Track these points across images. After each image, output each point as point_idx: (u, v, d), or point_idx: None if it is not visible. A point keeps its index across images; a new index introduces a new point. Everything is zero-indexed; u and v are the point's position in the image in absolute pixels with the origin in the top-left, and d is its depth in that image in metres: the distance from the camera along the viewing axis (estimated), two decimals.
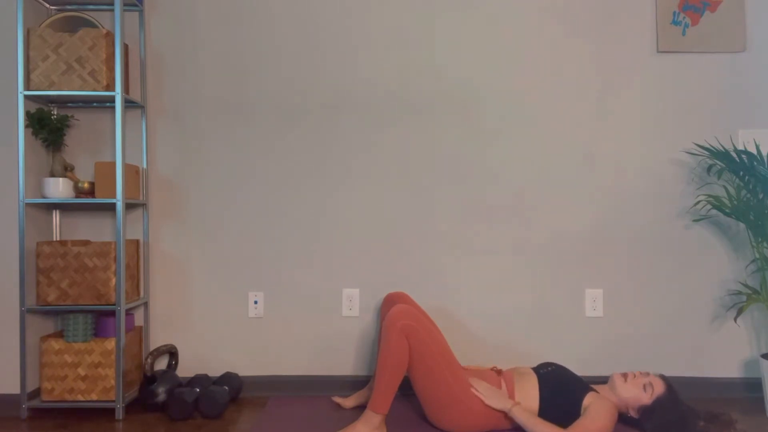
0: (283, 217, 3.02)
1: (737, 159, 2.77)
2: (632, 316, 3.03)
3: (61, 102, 2.91)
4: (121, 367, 2.67)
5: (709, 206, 3.01)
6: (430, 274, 3.03)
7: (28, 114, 2.71)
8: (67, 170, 2.84)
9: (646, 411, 2.39)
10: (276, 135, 3.02)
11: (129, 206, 2.99)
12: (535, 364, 2.99)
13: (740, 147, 3.00)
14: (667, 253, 3.03)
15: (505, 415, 2.38)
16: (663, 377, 2.45)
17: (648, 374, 2.45)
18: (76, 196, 2.77)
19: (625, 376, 2.45)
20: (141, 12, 2.97)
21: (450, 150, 3.03)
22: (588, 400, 2.36)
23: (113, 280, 2.68)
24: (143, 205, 2.99)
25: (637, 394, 2.40)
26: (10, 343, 2.75)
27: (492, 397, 2.39)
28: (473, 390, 2.39)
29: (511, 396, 2.43)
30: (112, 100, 2.84)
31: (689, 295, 3.03)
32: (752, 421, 2.65)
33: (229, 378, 2.88)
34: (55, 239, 2.93)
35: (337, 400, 2.79)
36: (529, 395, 2.43)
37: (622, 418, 2.47)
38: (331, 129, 3.02)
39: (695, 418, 2.36)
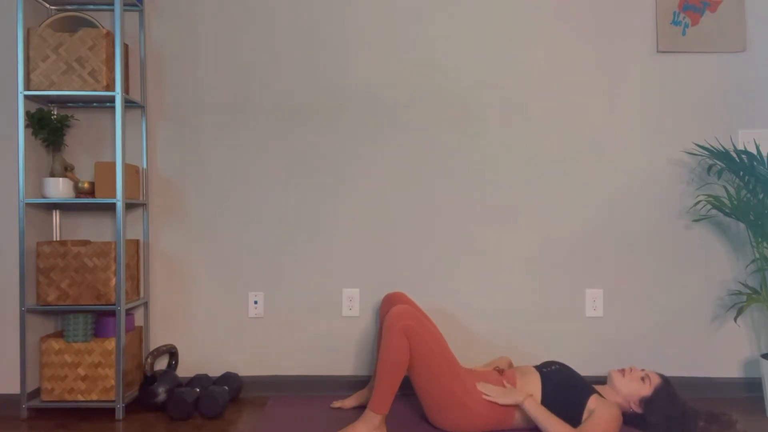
0: (283, 217, 3.02)
1: (737, 159, 2.77)
2: (632, 316, 3.03)
3: (61, 102, 2.91)
4: (121, 367, 2.67)
5: (709, 206, 3.01)
6: (429, 274, 3.03)
7: (28, 114, 2.71)
8: (67, 170, 2.84)
9: (647, 402, 2.42)
10: (276, 135, 3.02)
11: (129, 206, 2.99)
12: (535, 364, 2.99)
13: (740, 147, 3.00)
14: (667, 253, 3.03)
15: (514, 410, 2.40)
16: (659, 373, 2.52)
17: (644, 370, 2.51)
18: (76, 196, 2.77)
19: (622, 371, 2.50)
20: (141, 12, 2.97)
21: (449, 150, 3.03)
22: (593, 403, 2.35)
23: (113, 280, 2.68)
24: (143, 205, 2.99)
25: (637, 387, 2.44)
26: (10, 343, 2.75)
27: (503, 395, 2.40)
28: (483, 396, 2.40)
29: None
30: (112, 100, 2.84)
31: (689, 295, 3.03)
32: (752, 421, 2.65)
33: (229, 378, 2.88)
34: (55, 239, 2.93)
35: (337, 404, 2.78)
36: (531, 394, 2.43)
37: (626, 418, 2.48)
38: (330, 129, 3.02)
39: (695, 415, 2.39)
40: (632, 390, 2.44)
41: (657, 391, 2.42)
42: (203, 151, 3.01)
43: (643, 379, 2.45)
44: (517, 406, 2.40)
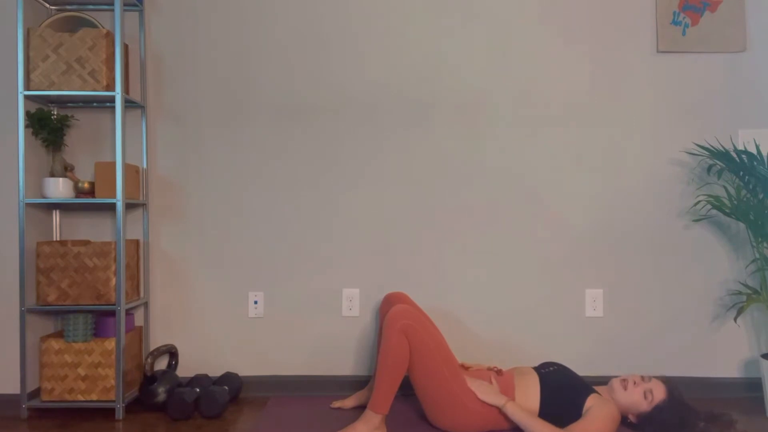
0: (283, 217, 3.02)
1: (737, 159, 2.77)
2: (632, 316, 3.03)
3: (61, 102, 2.91)
4: (121, 367, 2.67)
5: (709, 206, 3.01)
6: (429, 274, 3.03)
7: (28, 114, 2.71)
8: (67, 170, 2.84)
9: (644, 418, 2.39)
10: (276, 135, 3.02)
11: (129, 206, 2.99)
12: (535, 364, 2.99)
13: (740, 147, 3.00)
14: (667, 253, 3.03)
15: (500, 411, 2.38)
16: (665, 381, 2.43)
17: (649, 379, 2.43)
18: (76, 196, 2.77)
19: (624, 383, 2.43)
20: (141, 12, 2.97)
21: (450, 150, 3.03)
22: (590, 402, 2.34)
23: (113, 280, 2.68)
24: (143, 205, 2.99)
25: (637, 402, 2.39)
26: (10, 343, 2.75)
27: (486, 392, 2.39)
28: (468, 385, 2.39)
29: (511, 395, 2.42)
30: (112, 100, 2.84)
31: (689, 295, 3.03)
32: (752, 421, 2.65)
33: (229, 378, 2.88)
34: (55, 239, 2.93)
35: (337, 404, 2.78)
36: (529, 395, 2.42)
37: (622, 420, 2.47)
38: (331, 130, 3.02)
39: (696, 420, 2.35)
40: (632, 403, 2.40)
41: (656, 408, 2.36)
42: (203, 151, 3.01)
43: (645, 394, 2.38)
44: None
